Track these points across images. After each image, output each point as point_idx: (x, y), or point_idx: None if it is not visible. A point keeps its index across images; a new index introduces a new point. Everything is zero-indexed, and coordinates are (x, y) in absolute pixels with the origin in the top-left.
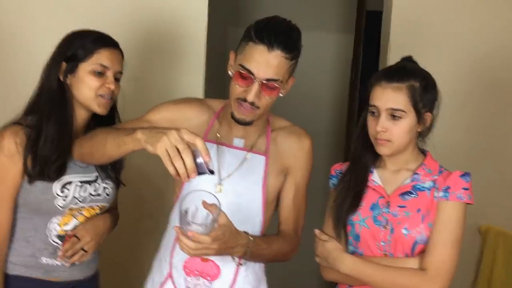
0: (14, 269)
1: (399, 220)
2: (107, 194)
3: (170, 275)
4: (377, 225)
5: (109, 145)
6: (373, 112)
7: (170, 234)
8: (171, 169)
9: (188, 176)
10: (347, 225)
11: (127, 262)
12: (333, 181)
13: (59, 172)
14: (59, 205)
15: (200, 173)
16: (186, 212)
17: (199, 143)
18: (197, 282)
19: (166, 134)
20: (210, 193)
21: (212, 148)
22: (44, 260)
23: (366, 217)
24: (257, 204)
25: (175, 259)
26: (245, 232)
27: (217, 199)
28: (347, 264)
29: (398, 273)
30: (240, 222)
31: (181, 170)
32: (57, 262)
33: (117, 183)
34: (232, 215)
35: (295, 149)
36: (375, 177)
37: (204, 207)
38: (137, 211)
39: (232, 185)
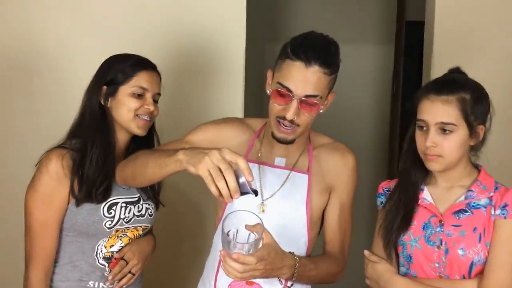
0: None
1: (454, 240)
2: (150, 215)
3: None
4: (430, 245)
5: (151, 168)
6: (421, 127)
7: (214, 257)
8: (213, 190)
9: (231, 197)
10: (398, 245)
11: (168, 283)
12: (381, 199)
13: (106, 193)
14: (106, 227)
15: (243, 193)
16: (228, 234)
17: (241, 162)
18: None
19: (208, 154)
20: (252, 212)
21: (254, 168)
22: (91, 284)
23: (418, 237)
24: (301, 225)
25: (219, 282)
26: (290, 252)
27: (259, 218)
28: (400, 287)
29: None
30: (285, 243)
31: (224, 190)
32: (103, 286)
33: (157, 203)
34: (276, 236)
35: (338, 167)
36: (426, 194)
37: (247, 229)
38: (177, 232)
39: (275, 205)
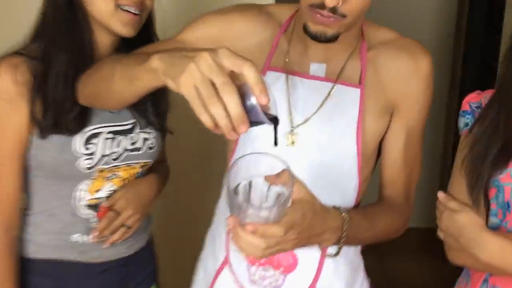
0: (40, 252)
1: None
2: (150, 147)
3: (227, 262)
4: None
5: (118, 81)
6: None
7: (226, 209)
8: (204, 119)
9: (235, 130)
10: (490, 187)
11: (181, 225)
12: (467, 119)
13: (81, 120)
14: (84, 167)
15: (253, 123)
16: (236, 191)
17: (249, 71)
18: (265, 274)
19: (195, 59)
20: (272, 155)
21: (279, 80)
22: (76, 237)
23: None
24: (350, 161)
25: (232, 243)
26: (335, 208)
27: (284, 163)
28: (492, 250)
29: None
30: (326, 191)
31: (221, 119)
32: (91, 240)
33: (163, 130)
34: (313, 181)
35: (407, 74)
36: None
37: (268, 181)
38: (190, 164)
39: (311, 135)
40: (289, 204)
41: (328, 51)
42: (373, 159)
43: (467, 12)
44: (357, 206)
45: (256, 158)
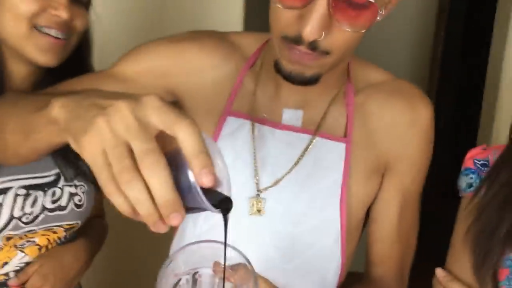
0: None
1: None
2: (78, 205)
3: None
4: None
5: (12, 132)
6: None
7: None
8: (116, 201)
9: (163, 221)
10: (501, 267)
11: None
12: (470, 179)
13: None
14: None
15: (190, 209)
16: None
17: (186, 134)
18: None
19: (106, 111)
20: (229, 245)
21: (243, 128)
22: None
23: None
24: (332, 237)
25: None
26: None
27: (242, 255)
28: None
29: None
30: (300, 275)
31: (142, 205)
32: None
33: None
34: (284, 262)
35: (402, 125)
36: None
37: (217, 273)
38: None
39: (283, 202)
40: None
41: (306, 94)
42: (358, 231)
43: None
44: None
45: (202, 248)
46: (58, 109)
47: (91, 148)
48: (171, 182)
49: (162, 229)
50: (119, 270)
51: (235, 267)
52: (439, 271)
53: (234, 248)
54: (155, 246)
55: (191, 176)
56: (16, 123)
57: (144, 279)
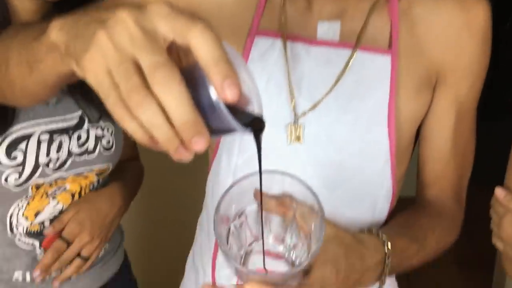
0: None
1: None
2: (106, 148)
3: None
4: None
5: (16, 65)
6: None
7: (205, 238)
8: (129, 127)
9: (185, 146)
10: None
11: (156, 239)
12: None
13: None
14: (12, 184)
15: (218, 130)
16: (227, 239)
17: (201, 40)
18: None
19: (106, 24)
20: (277, 172)
21: (273, 48)
22: (17, 275)
23: None
24: (380, 160)
25: (219, 273)
26: (371, 234)
27: (304, 185)
28: None
29: None
30: (347, 204)
31: (158, 129)
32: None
33: None
34: (328, 192)
35: (455, 31)
36: None
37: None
38: (165, 163)
39: (324, 126)
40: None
41: (343, 2)
42: (408, 153)
43: None
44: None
45: (243, 186)
46: (56, 32)
47: (94, 68)
48: (188, 98)
49: (185, 156)
50: (157, 217)
51: (279, 198)
52: (498, 190)
53: (294, 177)
54: (192, 189)
55: (212, 91)
56: (19, 55)
57: (181, 223)
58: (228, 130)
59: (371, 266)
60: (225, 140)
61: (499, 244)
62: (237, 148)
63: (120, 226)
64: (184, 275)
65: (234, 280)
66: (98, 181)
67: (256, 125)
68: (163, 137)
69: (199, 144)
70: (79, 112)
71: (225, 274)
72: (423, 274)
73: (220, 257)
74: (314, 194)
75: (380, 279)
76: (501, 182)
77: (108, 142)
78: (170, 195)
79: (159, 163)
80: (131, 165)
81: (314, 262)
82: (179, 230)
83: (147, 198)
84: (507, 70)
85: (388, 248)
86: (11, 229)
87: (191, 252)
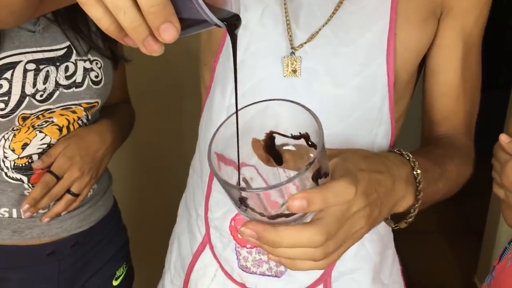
0: None
1: None
2: (95, 81)
3: (208, 241)
4: None
5: None
6: None
7: (202, 169)
8: (94, 14)
9: (154, 37)
10: None
11: (146, 186)
12: None
13: None
14: None
15: (190, 22)
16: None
17: None
18: (261, 257)
19: None
20: (288, 100)
21: None
22: (4, 212)
23: None
24: (379, 95)
25: (213, 214)
26: (391, 152)
27: (311, 113)
28: None
29: None
30: (344, 141)
31: (125, 16)
32: (23, 215)
33: (114, 57)
34: (325, 128)
35: None
36: None
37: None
38: (155, 105)
39: (321, 58)
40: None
41: None
42: (409, 88)
43: None
44: None
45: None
46: None
47: None
48: None
49: (155, 49)
50: (148, 166)
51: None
52: (503, 136)
53: (299, 104)
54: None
55: None
56: None
57: (172, 172)
58: (201, 22)
59: (401, 177)
60: (218, 78)
61: (500, 192)
62: (231, 86)
63: (107, 170)
64: (176, 221)
65: (227, 223)
66: (87, 117)
67: (231, 21)
68: (130, 24)
69: (168, 32)
70: (67, 43)
71: (218, 216)
72: (410, 245)
73: (213, 199)
74: (308, 110)
75: (416, 197)
76: (489, 155)
77: (97, 76)
78: (161, 143)
79: (150, 112)
80: (122, 106)
81: (333, 168)
82: (169, 179)
83: (138, 146)
84: None
85: (413, 160)
86: None
87: (183, 197)
